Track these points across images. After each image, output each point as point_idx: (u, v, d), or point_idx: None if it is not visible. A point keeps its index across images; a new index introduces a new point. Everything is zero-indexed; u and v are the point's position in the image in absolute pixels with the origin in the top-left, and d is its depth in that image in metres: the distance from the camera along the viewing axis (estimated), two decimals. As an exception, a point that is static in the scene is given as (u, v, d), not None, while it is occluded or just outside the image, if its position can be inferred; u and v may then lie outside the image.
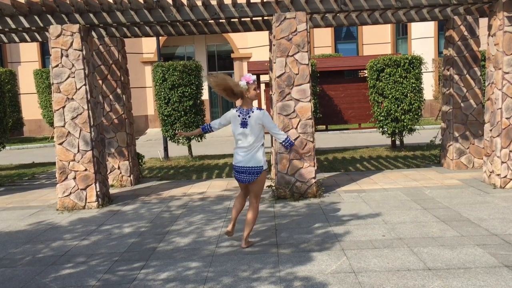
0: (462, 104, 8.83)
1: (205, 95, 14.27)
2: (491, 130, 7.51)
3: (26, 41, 9.08)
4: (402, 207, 6.40)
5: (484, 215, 5.81)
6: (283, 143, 5.03)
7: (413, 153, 11.58)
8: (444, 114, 9.22)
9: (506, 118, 7.20)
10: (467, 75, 8.80)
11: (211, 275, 4.35)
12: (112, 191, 8.45)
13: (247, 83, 4.83)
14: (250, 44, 22.13)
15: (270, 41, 8.69)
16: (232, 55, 22.60)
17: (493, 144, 7.44)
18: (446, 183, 7.80)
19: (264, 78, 13.74)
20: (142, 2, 7.33)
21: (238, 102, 5.01)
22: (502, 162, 7.22)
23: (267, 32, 9.67)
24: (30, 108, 21.69)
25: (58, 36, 7.29)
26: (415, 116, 11.52)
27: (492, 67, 7.48)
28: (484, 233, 5.13)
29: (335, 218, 6.06)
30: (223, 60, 23.52)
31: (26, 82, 21.79)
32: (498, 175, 7.27)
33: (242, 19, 8.57)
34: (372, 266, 4.34)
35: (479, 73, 8.84)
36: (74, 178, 7.36)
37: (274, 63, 7.40)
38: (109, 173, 8.95)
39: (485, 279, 3.92)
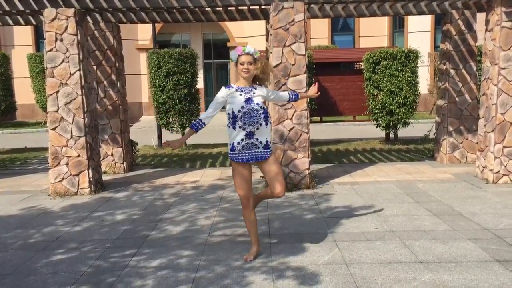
0: (457, 99, 8.84)
1: (200, 84, 14.19)
2: (485, 125, 7.53)
3: (20, 24, 8.96)
4: (395, 200, 6.42)
5: (476, 210, 5.84)
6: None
7: (407, 146, 11.61)
8: (439, 108, 9.23)
9: (501, 114, 7.22)
10: (463, 70, 8.80)
11: (203, 263, 4.34)
12: (105, 177, 8.41)
13: (238, 55, 4.30)
14: (247, 34, 22.00)
15: (267, 30, 8.64)
16: (228, 44, 22.48)
17: (487, 139, 7.47)
18: (439, 177, 7.83)
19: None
20: (139, -13, 7.24)
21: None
22: (496, 157, 7.25)
23: (263, 22, 9.61)
24: (23, 92, 21.50)
25: (53, 20, 7.20)
26: (410, 110, 11.55)
27: (488, 62, 7.48)
28: (476, 227, 5.16)
29: (328, 209, 6.07)
30: (219, 49, 23.40)
31: (20, 66, 21.57)
32: (491, 170, 7.31)
33: (239, 8, 8.50)
34: (364, 258, 4.36)
35: (475, 68, 8.84)
36: (67, 164, 7.31)
37: (271, 53, 7.35)
38: (102, 159, 8.90)
39: (476, 273, 3.95)
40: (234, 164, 4.37)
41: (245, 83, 4.34)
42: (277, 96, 4.67)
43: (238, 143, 4.26)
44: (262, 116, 4.26)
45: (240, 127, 4.24)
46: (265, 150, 4.33)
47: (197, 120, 4.35)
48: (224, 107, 4.38)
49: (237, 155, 4.30)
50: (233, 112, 4.24)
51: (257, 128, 4.25)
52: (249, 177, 4.39)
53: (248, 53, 4.26)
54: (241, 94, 4.27)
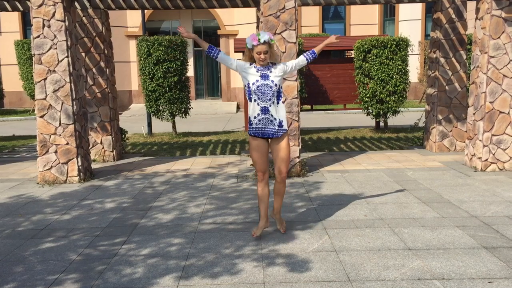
0: (446, 87, 8.87)
1: (190, 71, 14.12)
2: (474, 114, 7.58)
3: (6, 10, 8.81)
4: (385, 188, 6.46)
5: (465, 197, 5.90)
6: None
7: (397, 135, 11.67)
8: (429, 96, 9.26)
9: (490, 102, 7.26)
10: (453, 58, 8.82)
11: (193, 251, 4.34)
12: (94, 166, 8.36)
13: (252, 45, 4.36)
14: (237, 21, 21.85)
15: (258, 18, 8.57)
16: (219, 32, 22.32)
17: (475, 127, 7.51)
18: (428, 165, 7.88)
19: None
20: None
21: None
22: (484, 146, 7.31)
23: (254, 9, 9.56)
24: (10, 79, 21.22)
25: (40, 5, 7.08)
26: (400, 98, 11.58)
27: (478, 50, 7.51)
28: (464, 215, 5.21)
29: (318, 197, 6.09)
30: (209, 37, 23.21)
31: (7, 53, 21.25)
32: (480, 158, 7.37)
33: (230, -5, 8.42)
34: (354, 245, 4.38)
35: (464, 57, 8.87)
36: (55, 152, 7.25)
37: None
38: (92, 147, 8.84)
39: (464, 260, 3.99)
40: (251, 138, 4.52)
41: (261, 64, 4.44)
42: (297, 64, 4.64)
43: (255, 117, 4.42)
44: (276, 94, 4.40)
45: (255, 100, 4.39)
46: (280, 128, 4.45)
47: (218, 48, 4.55)
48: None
49: (253, 129, 4.46)
50: (248, 84, 4.41)
51: (270, 105, 4.38)
52: (265, 152, 4.52)
53: (264, 42, 4.29)
54: (257, 71, 4.40)
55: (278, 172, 4.56)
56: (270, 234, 4.74)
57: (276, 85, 4.38)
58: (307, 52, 4.73)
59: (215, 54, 4.53)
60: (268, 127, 4.42)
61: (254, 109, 4.42)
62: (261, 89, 4.35)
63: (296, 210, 5.54)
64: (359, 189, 6.43)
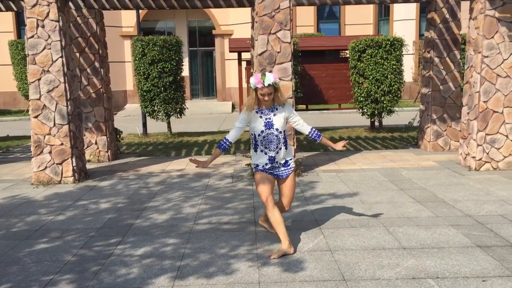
0: (441, 87, 8.91)
1: (185, 71, 14.11)
2: (468, 113, 7.61)
3: (0, 10, 8.77)
4: (379, 188, 6.48)
5: (459, 197, 5.92)
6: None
7: (392, 134, 11.70)
8: (423, 96, 9.29)
9: (484, 102, 7.29)
10: (447, 58, 8.86)
11: (188, 251, 4.34)
12: (89, 166, 8.34)
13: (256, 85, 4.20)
14: (232, 21, 21.84)
15: (253, 18, 8.57)
16: (214, 32, 22.30)
17: (469, 127, 7.55)
18: (422, 165, 7.91)
19: (245, 56, 13.62)
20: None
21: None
22: (478, 145, 7.34)
23: (249, 9, 9.55)
24: (5, 80, 21.11)
25: (34, 5, 7.06)
26: (395, 98, 11.61)
27: (472, 50, 7.54)
28: (458, 214, 5.23)
29: (313, 197, 6.10)
30: (204, 37, 23.21)
31: (1, 53, 21.13)
32: (474, 157, 7.40)
33: (225, -5, 8.41)
34: (348, 245, 4.40)
35: (458, 57, 8.90)
36: (50, 152, 7.22)
37: (256, 40, 7.31)
38: (86, 148, 8.81)
39: (458, 259, 4.01)
40: (257, 173, 4.37)
41: (265, 106, 4.31)
42: (300, 126, 4.48)
43: (263, 166, 4.34)
44: (282, 141, 4.31)
45: (262, 151, 4.31)
46: (285, 168, 4.39)
47: (224, 139, 4.34)
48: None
49: (260, 170, 4.36)
50: (254, 134, 4.32)
51: (277, 153, 4.30)
52: (271, 183, 4.35)
53: (268, 86, 4.15)
54: (261, 117, 4.28)
55: (282, 206, 4.50)
56: (265, 233, 4.75)
57: (280, 132, 4.29)
58: (315, 131, 4.51)
59: (227, 142, 4.32)
60: (275, 171, 4.37)
61: (261, 158, 4.32)
62: (267, 139, 4.27)
63: (291, 209, 5.54)
64: (354, 189, 6.44)
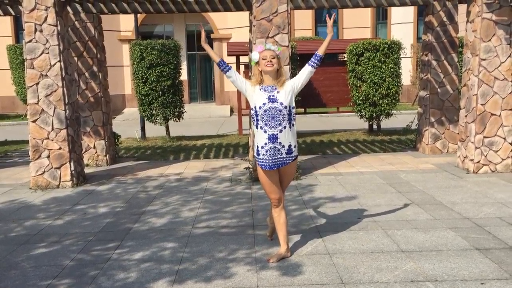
0: (438, 90, 8.92)
1: (183, 75, 14.11)
2: (466, 116, 7.62)
3: (-2, 14, 8.76)
4: (378, 191, 6.48)
5: (457, 199, 5.93)
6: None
7: (390, 137, 11.71)
8: (421, 99, 9.31)
9: (481, 104, 7.31)
10: (444, 61, 8.87)
11: (187, 255, 4.34)
12: (87, 170, 8.33)
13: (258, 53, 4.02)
14: (230, 25, 21.87)
15: (251, 21, 8.59)
16: (212, 36, 22.32)
17: (467, 129, 7.56)
18: (421, 167, 7.92)
19: (243, 59, 13.64)
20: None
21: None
22: (476, 148, 7.35)
23: (247, 13, 9.57)
24: (3, 84, 21.09)
25: (32, 10, 7.07)
26: (393, 101, 11.64)
27: (469, 53, 7.56)
28: (457, 216, 5.24)
29: (311, 200, 6.10)
30: (202, 40, 23.21)
31: (-1, 58, 21.16)
32: (472, 160, 7.41)
33: (222, -2, 8.43)
34: (347, 248, 4.39)
35: (456, 59, 8.92)
36: (48, 156, 7.22)
37: (254, 44, 7.32)
38: (84, 152, 8.80)
39: (456, 261, 4.01)
40: (259, 167, 4.14)
41: (269, 80, 4.05)
42: (306, 76, 4.17)
43: (262, 147, 4.00)
44: (286, 118, 3.98)
45: (261, 128, 3.98)
46: (287, 156, 4.07)
47: (227, 65, 4.17)
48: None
49: (261, 161, 4.05)
50: (255, 107, 4.01)
51: (280, 131, 3.96)
52: (276, 180, 4.16)
53: (269, 49, 4.02)
54: (264, 91, 4.01)
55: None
56: (263, 237, 4.74)
57: (286, 107, 3.96)
58: (311, 59, 4.22)
59: (225, 69, 4.14)
60: (276, 157, 4.01)
61: (260, 137, 4.00)
62: (269, 114, 3.93)
63: (289, 213, 5.54)
64: (353, 192, 6.44)
